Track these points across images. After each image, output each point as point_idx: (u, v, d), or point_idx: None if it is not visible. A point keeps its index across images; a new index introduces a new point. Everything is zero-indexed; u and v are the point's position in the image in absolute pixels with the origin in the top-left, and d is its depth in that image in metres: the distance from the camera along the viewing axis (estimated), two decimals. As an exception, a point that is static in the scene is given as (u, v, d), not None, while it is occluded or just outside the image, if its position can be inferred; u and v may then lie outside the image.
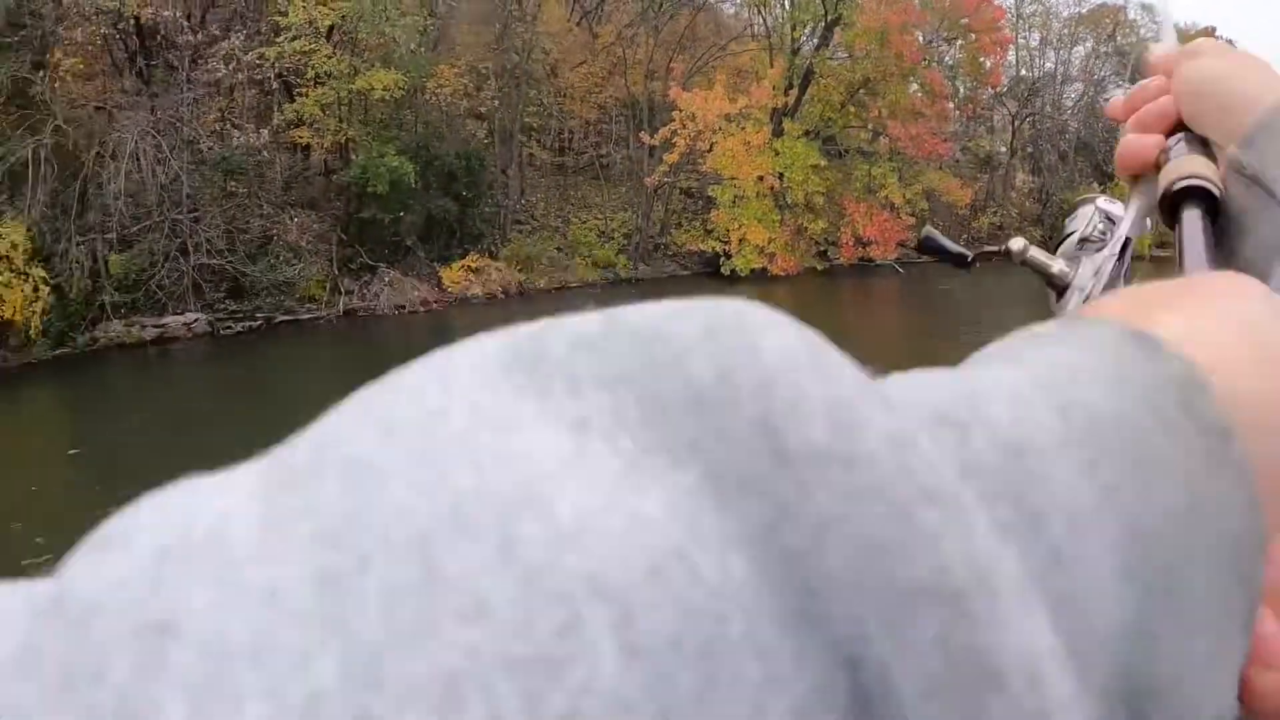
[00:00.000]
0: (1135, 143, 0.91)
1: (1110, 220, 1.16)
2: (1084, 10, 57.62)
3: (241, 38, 33.66)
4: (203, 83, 34.52)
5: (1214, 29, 60.16)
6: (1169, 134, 0.87)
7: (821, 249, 43.39)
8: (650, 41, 45.73)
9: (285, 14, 33.89)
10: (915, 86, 43.82)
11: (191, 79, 33.91)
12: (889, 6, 40.65)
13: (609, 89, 47.40)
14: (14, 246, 27.00)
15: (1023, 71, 55.67)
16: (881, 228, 41.89)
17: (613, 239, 41.91)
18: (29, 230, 27.70)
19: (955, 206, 47.39)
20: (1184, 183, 0.80)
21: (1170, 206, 0.83)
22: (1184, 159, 0.83)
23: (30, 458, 18.66)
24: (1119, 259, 0.99)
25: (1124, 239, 0.99)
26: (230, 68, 33.89)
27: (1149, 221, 0.99)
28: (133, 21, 32.26)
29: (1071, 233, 1.23)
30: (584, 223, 42.06)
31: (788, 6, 45.79)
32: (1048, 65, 58.19)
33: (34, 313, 26.72)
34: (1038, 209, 54.47)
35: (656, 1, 46.59)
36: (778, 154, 40.29)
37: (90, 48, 33.52)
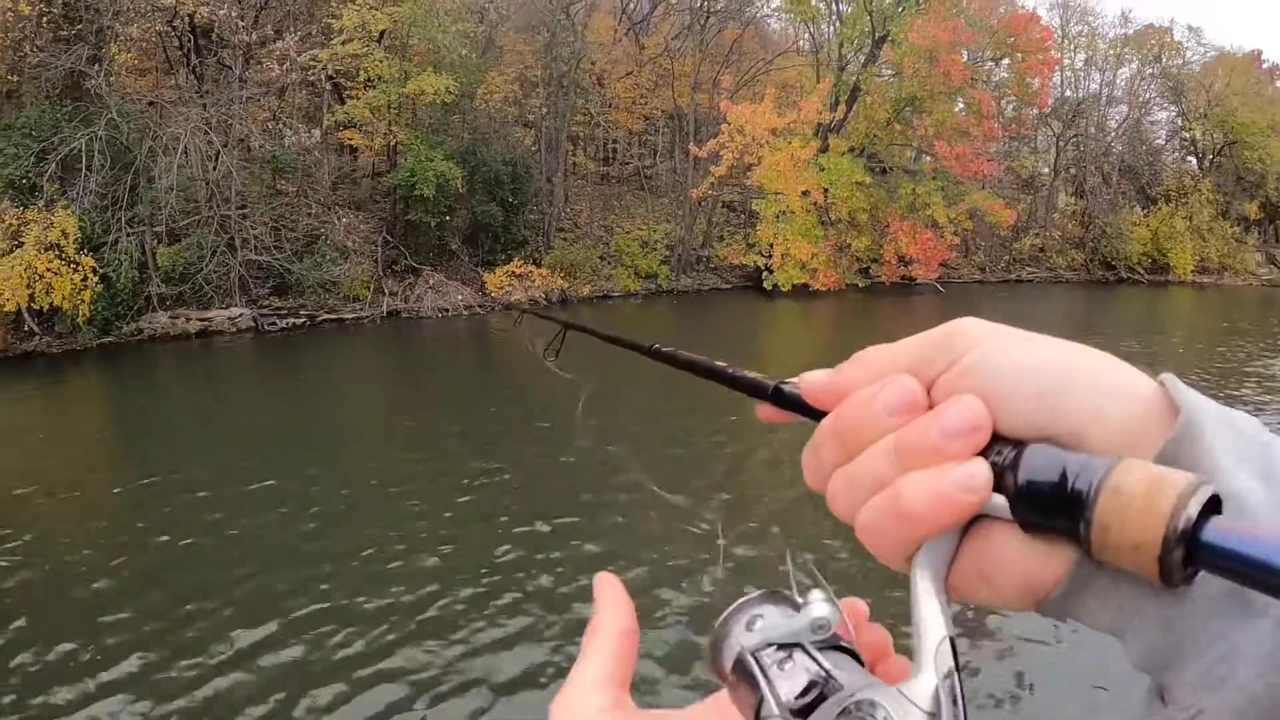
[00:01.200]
0: (941, 484, 0.54)
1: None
2: (1130, 32, 57.20)
3: (296, 39, 33.54)
4: (256, 82, 34.64)
5: (1260, 52, 59.60)
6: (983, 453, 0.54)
7: (863, 266, 43.02)
8: (696, 54, 45.52)
9: (338, 17, 33.86)
10: (961, 105, 43.35)
11: (245, 78, 34.06)
12: (938, 25, 40.13)
13: (654, 100, 47.32)
14: (64, 235, 27.09)
15: (1067, 92, 55.07)
16: (925, 247, 41.56)
17: (655, 250, 41.68)
18: (80, 220, 27.69)
19: (998, 227, 46.95)
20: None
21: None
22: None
23: (67, 439, 18.40)
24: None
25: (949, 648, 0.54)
26: (284, 68, 33.84)
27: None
28: (187, 19, 32.23)
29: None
30: (627, 232, 41.86)
31: (836, 22, 45.40)
32: (1092, 86, 57.81)
33: (82, 301, 26.83)
34: (1080, 232, 53.87)
35: (702, 15, 46.50)
36: (822, 170, 39.99)
37: (144, 44, 33.53)
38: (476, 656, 8.54)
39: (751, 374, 0.75)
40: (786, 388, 0.68)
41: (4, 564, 10.82)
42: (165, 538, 11.56)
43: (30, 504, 13.22)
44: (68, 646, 8.67)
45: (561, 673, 7.78)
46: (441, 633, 8.97)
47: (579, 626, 9.22)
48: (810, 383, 0.64)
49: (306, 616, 9.31)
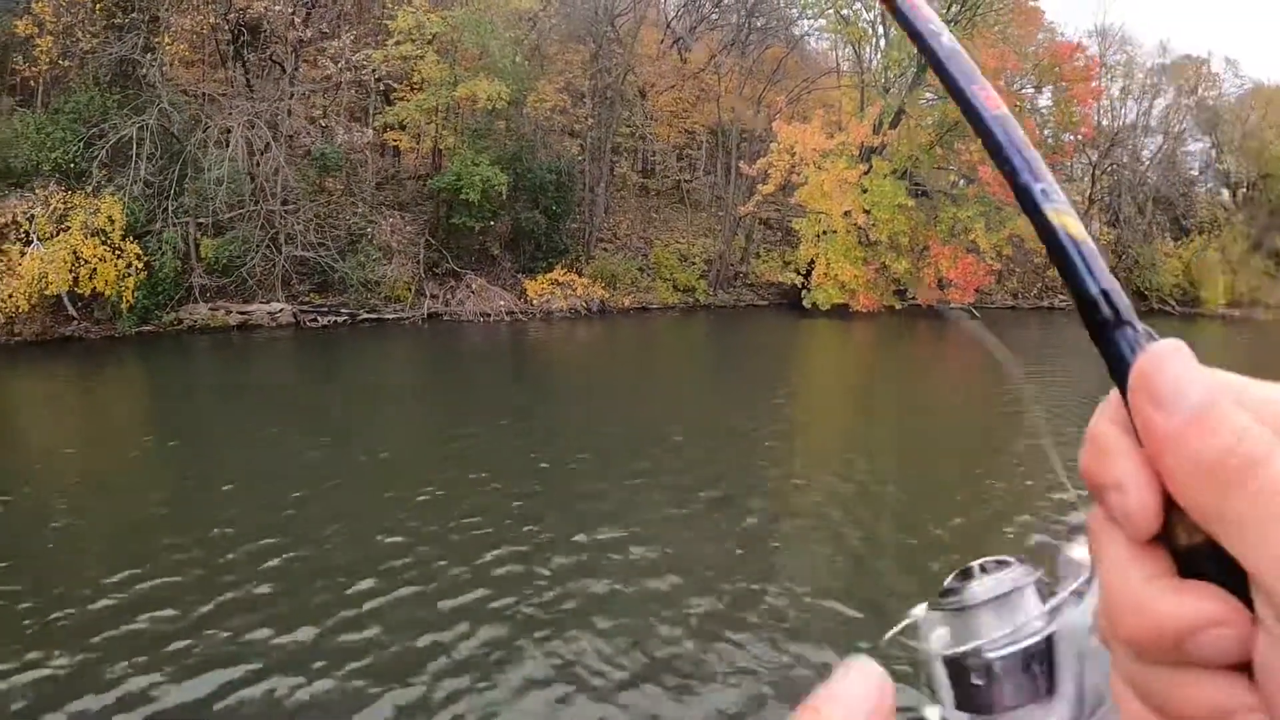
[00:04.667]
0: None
1: None
2: (1167, 62, 55.70)
3: (351, 38, 32.72)
4: (309, 79, 33.95)
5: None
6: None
7: (899, 288, 41.81)
8: (737, 70, 44.50)
9: (392, 18, 33.14)
10: (1003, 132, 42.02)
11: (296, 75, 33.39)
12: (986, 51, 38.92)
13: (695, 115, 46.42)
14: (111, 221, 26.53)
15: (1103, 121, 53.51)
16: (965, 271, 40.40)
17: (694, 264, 40.68)
18: (126, 207, 27.05)
19: (1035, 254, 45.70)
20: None
21: None
22: None
23: (101, 419, 18.29)
24: None
25: None
26: (338, 67, 33.16)
27: None
28: (240, 13, 31.45)
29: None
30: (666, 245, 40.82)
31: (881, 44, 44.25)
32: (1128, 116, 56.34)
33: (125, 288, 26.32)
34: (1113, 261, 52.41)
35: (743, 32, 45.58)
36: (865, 191, 38.80)
37: (195, 35, 32.71)
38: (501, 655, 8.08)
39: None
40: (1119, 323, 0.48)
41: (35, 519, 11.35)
42: (185, 527, 11.23)
43: (62, 471, 13.87)
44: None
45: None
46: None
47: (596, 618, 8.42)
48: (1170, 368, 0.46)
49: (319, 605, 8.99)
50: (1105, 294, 0.47)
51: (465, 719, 7.13)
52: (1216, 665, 0.42)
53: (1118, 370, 0.46)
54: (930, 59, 0.53)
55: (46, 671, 7.51)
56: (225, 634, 8.23)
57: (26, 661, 7.61)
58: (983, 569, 1.30)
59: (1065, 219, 0.49)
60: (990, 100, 0.52)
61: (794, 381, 22.41)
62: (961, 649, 1.26)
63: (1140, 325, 0.47)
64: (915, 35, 0.54)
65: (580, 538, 10.94)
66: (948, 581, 1.32)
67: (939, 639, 1.30)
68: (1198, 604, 0.43)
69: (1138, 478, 0.45)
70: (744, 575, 9.87)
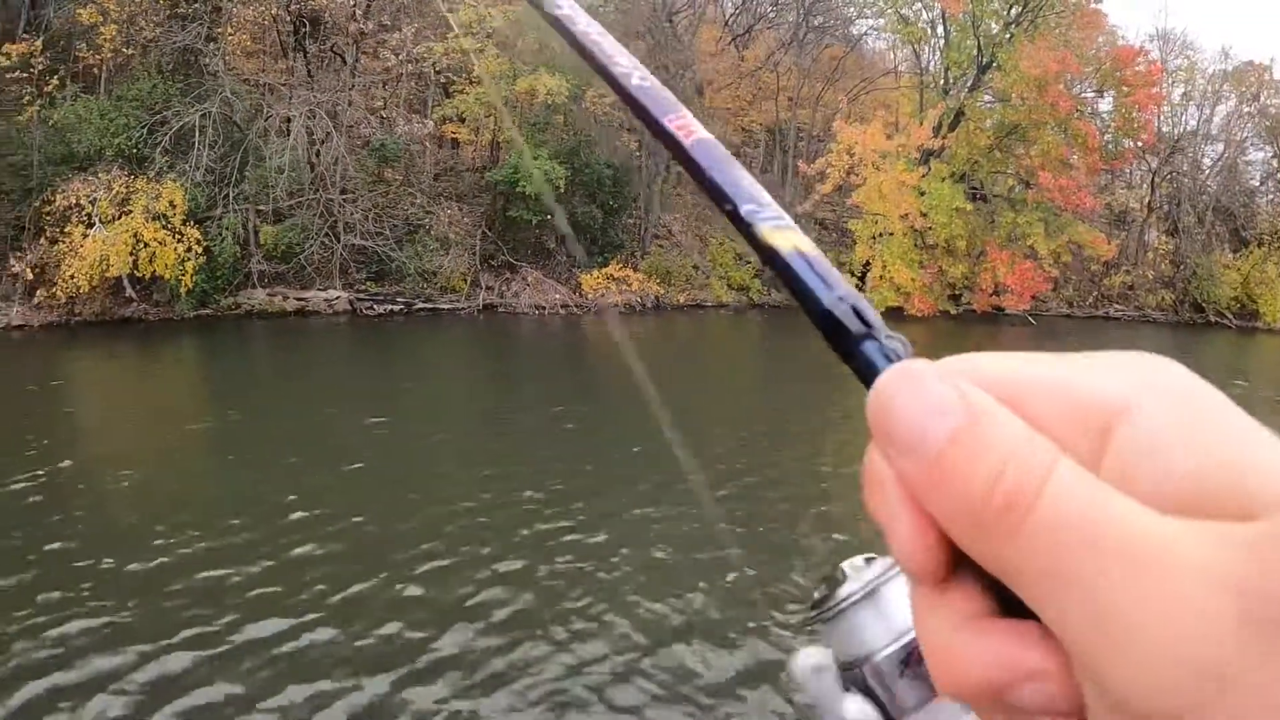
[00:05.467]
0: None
1: None
2: (1229, 68, 54.18)
3: (413, 31, 32.65)
4: (369, 70, 34.01)
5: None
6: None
7: (954, 293, 41.16)
8: (795, 69, 44.22)
9: (454, 10, 32.99)
10: (1063, 136, 41.32)
11: (359, 66, 33.43)
12: (1048, 54, 38.23)
13: (753, 113, 46.02)
14: (172, 206, 26.63)
15: (1163, 127, 52.24)
16: (1023, 277, 39.76)
17: (748, 263, 40.15)
18: (187, 192, 27.19)
19: (1090, 262, 44.98)
20: None
21: None
22: None
23: (160, 399, 18.38)
24: None
25: None
26: (400, 59, 33.18)
27: None
28: (301, 4, 31.62)
29: None
30: (720, 243, 40.31)
31: (941, 45, 43.64)
32: (1189, 123, 54.85)
33: (184, 271, 26.39)
34: (1171, 271, 51.25)
35: (801, 31, 45.15)
36: (922, 194, 38.21)
37: (257, 26, 32.78)
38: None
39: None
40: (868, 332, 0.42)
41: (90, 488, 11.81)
42: (241, 495, 11.55)
43: (120, 440, 14.40)
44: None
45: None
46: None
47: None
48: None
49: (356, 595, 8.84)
50: (842, 302, 0.42)
51: (507, 675, 7.44)
52: (1056, 715, 0.35)
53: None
54: (622, 95, 0.51)
55: (106, 619, 7.90)
56: (280, 588, 8.68)
57: (87, 609, 8.02)
58: (844, 574, 1.26)
59: (782, 236, 0.44)
60: (685, 129, 0.49)
61: (842, 388, 21.97)
62: (851, 659, 1.21)
63: (888, 336, 0.41)
64: (603, 72, 0.51)
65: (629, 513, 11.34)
66: (816, 593, 1.28)
67: (818, 671, 1.24)
68: (1009, 652, 0.35)
69: (909, 520, 0.37)
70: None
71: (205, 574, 8.86)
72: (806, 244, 0.44)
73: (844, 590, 1.24)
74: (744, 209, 0.45)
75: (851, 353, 0.41)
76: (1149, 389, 0.35)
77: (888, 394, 0.38)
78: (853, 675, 1.22)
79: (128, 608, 8.12)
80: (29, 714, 6.61)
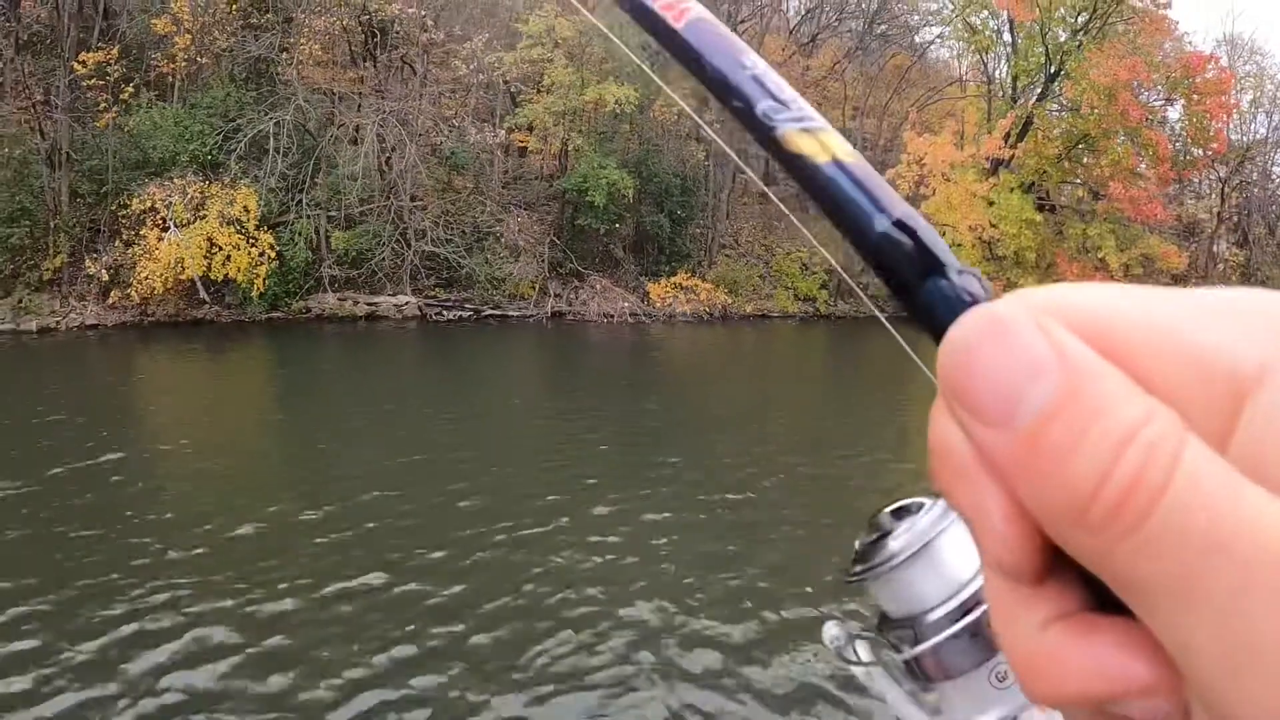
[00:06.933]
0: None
1: None
2: (1301, 71, 52.52)
3: (483, 41, 32.55)
4: (443, 80, 34.06)
5: None
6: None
7: (1022, 306, 40.16)
8: (860, 77, 43.91)
9: (524, 21, 32.92)
10: (1133, 146, 40.23)
11: (429, 75, 33.43)
12: (1118, 62, 37.17)
13: (817, 122, 45.53)
14: (246, 211, 26.76)
15: (1233, 136, 50.24)
16: (1094, 291, 38.50)
17: (815, 273, 39.45)
18: (261, 198, 27.35)
19: (1162, 274, 43.74)
20: None
21: None
22: None
23: (229, 394, 18.78)
24: None
25: None
26: (471, 68, 33.20)
27: None
28: (371, 15, 31.66)
29: None
30: (787, 254, 39.66)
31: (1009, 53, 42.72)
32: (1259, 131, 52.17)
33: (257, 275, 26.47)
34: (1241, 284, 49.45)
35: (864, 40, 44.59)
36: (991, 204, 37.29)
37: (328, 36, 32.77)
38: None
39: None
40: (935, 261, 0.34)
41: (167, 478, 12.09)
42: (304, 503, 11.26)
43: (192, 432, 14.59)
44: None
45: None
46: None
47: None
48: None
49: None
50: (899, 227, 0.32)
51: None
52: None
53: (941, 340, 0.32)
54: None
55: (173, 586, 8.25)
56: (337, 559, 9.13)
57: (154, 586, 8.23)
58: (896, 516, 1.21)
59: (814, 141, 0.33)
60: (674, 6, 0.36)
61: (899, 401, 21.16)
62: (898, 618, 1.16)
63: (960, 271, 0.32)
64: None
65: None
66: (859, 542, 1.21)
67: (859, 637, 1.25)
68: (1116, 661, 0.29)
69: (999, 509, 0.29)
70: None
71: (262, 553, 9.24)
72: (847, 150, 0.33)
73: (894, 545, 1.16)
74: (760, 106, 0.34)
75: (913, 294, 0.32)
76: None
77: (965, 348, 0.29)
78: (906, 632, 1.15)
79: (177, 579, 8.45)
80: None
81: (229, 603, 7.90)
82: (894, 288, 0.32)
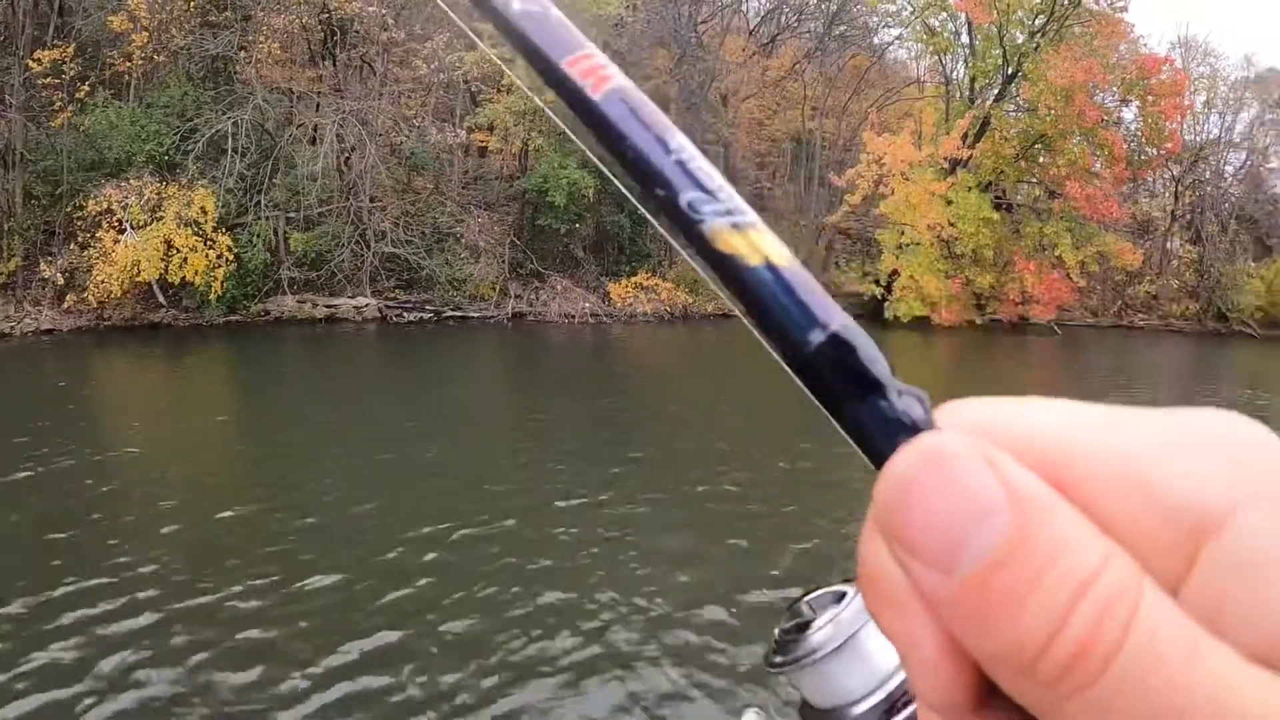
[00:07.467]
0: None
1: None
2: (1252, 75, 53.46)
3: (445, 40, 32.27)
4: (403, 79, 33.84)
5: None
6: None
7: (980, 303, 40.58)
8: (818, 78, 44.23)
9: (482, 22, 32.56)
10: (1089, 146, 40.74)
11: (389, 75, 33.18)
12: (1075, 64, 37.61)
13: (777, 122, 45.59)
14: (203, 212, 26.37)
15: (1186, 135, 51.35)
16: (1050, 287, 39.21)
17: (779, 268, 39.52)
18: (219, 199, 26.95)
19: (1115, 271, 44.39)
20: None
21: None
22: None
23: (186, 401, 18.30)
24: None
25: None
26: (432, 68, 32.93)
27: None
28: (331, 14, 31.26)
29: None
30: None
31: (967, 55, 43.05)
32: (1211, 130, 53.77)
33: (215, 278, 26.11)
34: (1194, 280, 50.46)
35: (824, 43, 44.75)
36: (949, 203, 37.58)
37: (286, 35, 32.40)
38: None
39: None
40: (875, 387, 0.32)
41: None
42: (257, 504, 11.17)
43: (147, 437, 14.38)
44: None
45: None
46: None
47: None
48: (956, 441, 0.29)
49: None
50: (833, 343, 0.30)
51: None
52: None
53: (878, 463, 0.29)
54: (501, 29, 0.34)
55: (135, 587, 8.25)
56: (299, 559, 9.12)
57: (115, 587, 8.24)
58: (812, 608, 1.20)
59: (743, 240, 0.31)
60: (593, 73, 0.33)
61: None
62: (822, 709, 1.15)
63: (901, 392, 0.29)
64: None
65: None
66: (779, 630, 1.21)
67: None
68: None
69: (934, 650, 0.28)
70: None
71: (222, 555, 9.21)
72: (781, 253, 0.30)
73: (817, 637, 1.13)
74: (685, 197, 0.31)
75: (849, 414, 0.29)
76: (1255, 486, 0.26)
77: (905, 485, 0.27)
78: None
79: (131, 581, 8.43)
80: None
81: (191, 603, 7.95)
82: (828, 406, 0.29)
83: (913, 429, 0.28)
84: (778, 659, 1.17)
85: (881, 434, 0.28)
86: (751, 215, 0.31)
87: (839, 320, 0.30)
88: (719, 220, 0.30)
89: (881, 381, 0.29)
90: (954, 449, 0.27)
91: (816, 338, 0.29)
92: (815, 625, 1.15)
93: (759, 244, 0.30)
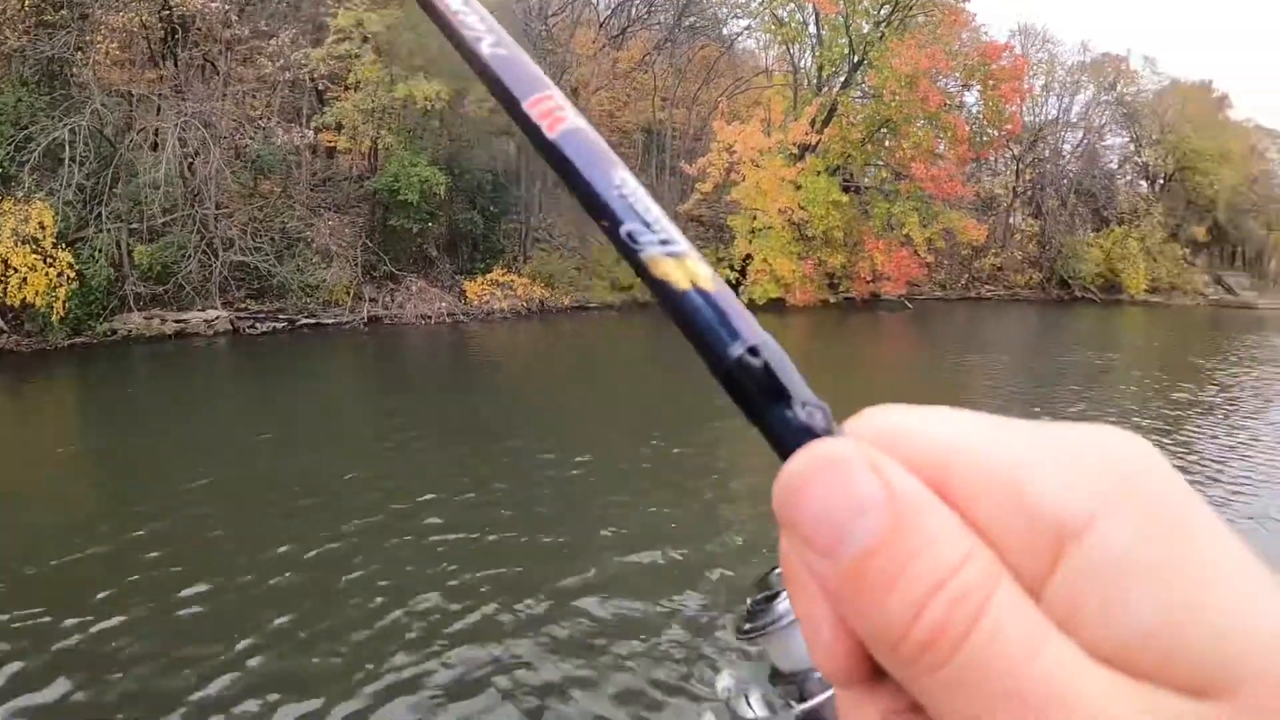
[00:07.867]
0: None
1: None
2: (1088, 59, 56.44)
3: (289, 37, 31.57)
4: (247, 78, 32.93)
5: (1211, 82, 59.02)
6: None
7: (833, 282, 41.72)
8: (669, 69, 44.66)
9: (332, 15, 31.93)
10: (934, 129, 42.09)
11: (232, 74, 32.24)
12: (919, 51, 38.86)
13: (628, 114, 45.86)
14: (42, 227, 24.93)
15: (1026, 117, 53.86)
16: (900, 264, 40.56)
17: (631, 260, 39.90)
18: (58, 213, 25.56)
19: (961, 246, 46.07)
20: None
21: None
22: None
23: (23, 448, 16.78)
24: None
25: None
26: (277, 66, 32.08)
27: None
28: (171, 10, 30.11)
29: None
30: (603, 244, 39.89)
31: (814, 45, 44.02)
32: (1050, 112, 57.04)
33: (56, 298, 24.67)
34: (1037, 251, 52.97)
35: (673, 33, 45.19)
36: (799, 188, 38.48)
37: (125, 34, 31.28)
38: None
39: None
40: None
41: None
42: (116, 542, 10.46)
43: None
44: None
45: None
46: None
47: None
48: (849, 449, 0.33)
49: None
50: (751, 357, 0.34)
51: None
52: None
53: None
54: (476, 68, 0.39)
55: None
56: (156, 584, 8.87)
57: None
58: (780, 581, 1.18)
59: (676, 266, 0.36)
60: (550, 114, 0.38)
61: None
62: (788, 673, 1.22)
63: (805, 404, 0.33)
64: (452, 36, 0.39)
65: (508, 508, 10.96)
66: (750, 600, 1.27)
67: (754, 689, 1.25)
68: None
69: (827, 626, 0.32)
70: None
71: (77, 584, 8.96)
72: (707, 277, 0.35)
73: (782, 605, 1.23)
74: (626, 228, 0.36)
75: (762, 419, 0.33)
76: (1116, 498, 0.29)
77: (797, 483, 0.31)
78: (793, 688, 1.23)
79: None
80: None
81: (47, 624, 7.93)
82: (747, 412, 0.33)
83: (812, 435, 0.32)
84: (747, 625, 1.27)
85: (788, 439, 0.32)
86: (684, 244, 0.36)
87: (756, 337, 0.34)
88: (655, 249, 0.35)
89: (790, 392, 0.33)
90: (842, 453, 0.30)
91: (735, 351, 0.33)
92: (782, 595, 1.23)
93: (689, 270, 0.34)
